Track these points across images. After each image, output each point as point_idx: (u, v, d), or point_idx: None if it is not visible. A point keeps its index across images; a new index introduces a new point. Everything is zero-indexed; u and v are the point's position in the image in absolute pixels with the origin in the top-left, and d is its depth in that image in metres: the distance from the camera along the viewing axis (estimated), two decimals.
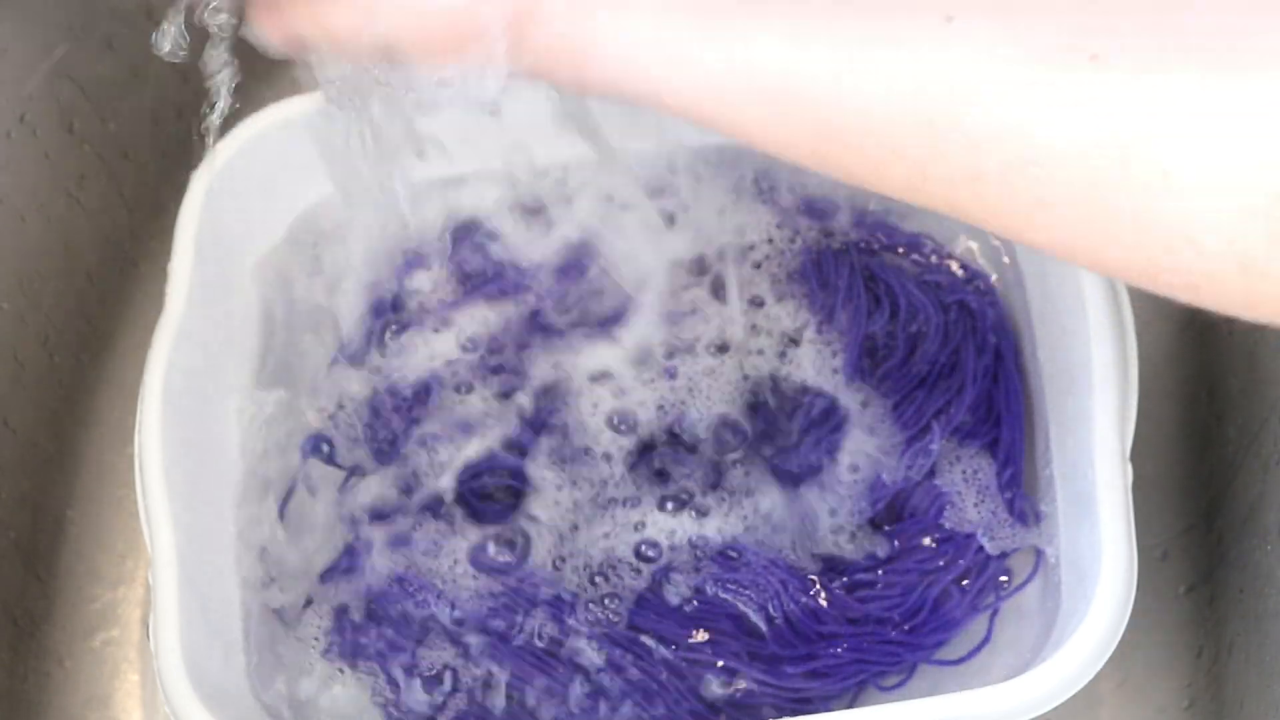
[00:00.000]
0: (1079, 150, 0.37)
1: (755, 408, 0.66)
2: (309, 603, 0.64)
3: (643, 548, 0.63)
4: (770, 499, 0.64)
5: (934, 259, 0.70)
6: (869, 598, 0.62)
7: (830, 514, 0.63)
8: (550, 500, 0.64)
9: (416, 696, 0.62)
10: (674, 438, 0.66)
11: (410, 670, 0.62)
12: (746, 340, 0.67)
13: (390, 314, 0.70)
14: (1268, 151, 0.34)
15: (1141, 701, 0.66)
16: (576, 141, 0.57)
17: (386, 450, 0.67)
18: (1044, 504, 0.63)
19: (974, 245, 0.70)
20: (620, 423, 0.65)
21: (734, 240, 0.70)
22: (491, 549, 0.64)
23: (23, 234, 0.70)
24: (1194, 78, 0.35)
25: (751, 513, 0.64)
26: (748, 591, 0.62)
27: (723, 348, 0.67)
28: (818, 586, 0.62)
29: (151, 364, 0.63)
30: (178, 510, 0.60)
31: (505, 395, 0.67)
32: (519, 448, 0.66)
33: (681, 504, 0.64)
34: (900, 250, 0.70)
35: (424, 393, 0.68)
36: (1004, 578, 0.63)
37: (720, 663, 0.61)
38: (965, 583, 0.63)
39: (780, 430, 0.65)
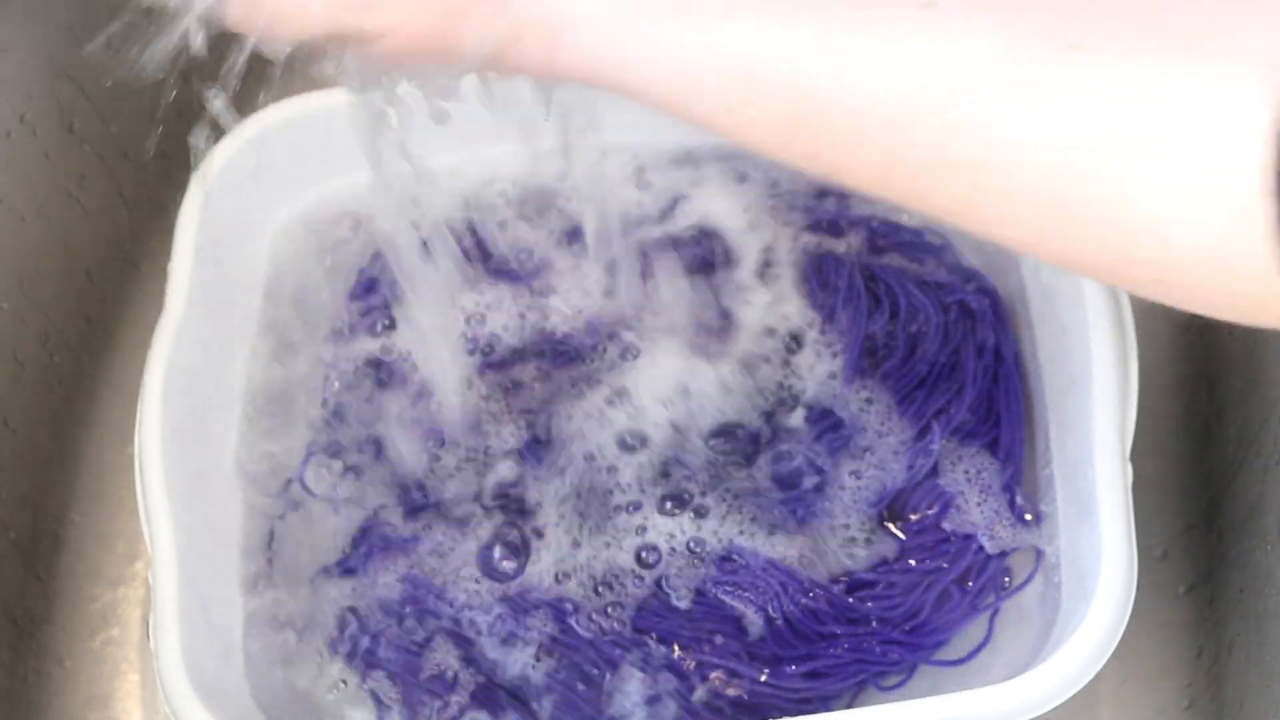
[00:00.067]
0: (1051, 142, 0.36)
1: (765, 415, 0.66)
2: (309, 603, 0.64)
3: (643, 553, 0.63)
4: (775, 509, 0.64)
5: (934, 259, 0.70)
6: (869, 598, 0.62)
7: (842, 527, 0.63)
8: (555, 514, 0.64)
9: (420, 697, 0.62)
10: (678, 436, 0.66)
11: (414, 671, 0.62)
12: (751, 344, 0.67)
13: (391, 311, 0.70)
14: (1238, 148, 0.33)
15: (1141, 701, 0.66)
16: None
17: (389, 449, 0.67)
18: (1044, 504, 0.63)
19: (975, 246, 0.70)
20: (631, 441, 0.65)
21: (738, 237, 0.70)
22: (497, 554, 0.64)
23: (23, 234, 0.70)
24: (1169, 73, 0.35)
25: (751, 520, 0.64)
26: (747, 593, 0.62)
27: (747, 363, 0.67)
28: (817, 588, 0.62)
29: (151, 364, 0.63)
30: (178, 510, 0.60)
31: (510, 395, 0.67)
32: (523, 455, 0.66)
33: (682, 504, 0.64)
34: (900, 250, 0.70)
35: (426, 393, 0.68)
36: (1005, 578, 0.63)
37: (720, 663, 0.61)
38: (965, 583, 0.63)
39: (785, 440, 0.65)
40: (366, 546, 0.65)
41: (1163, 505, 0.69)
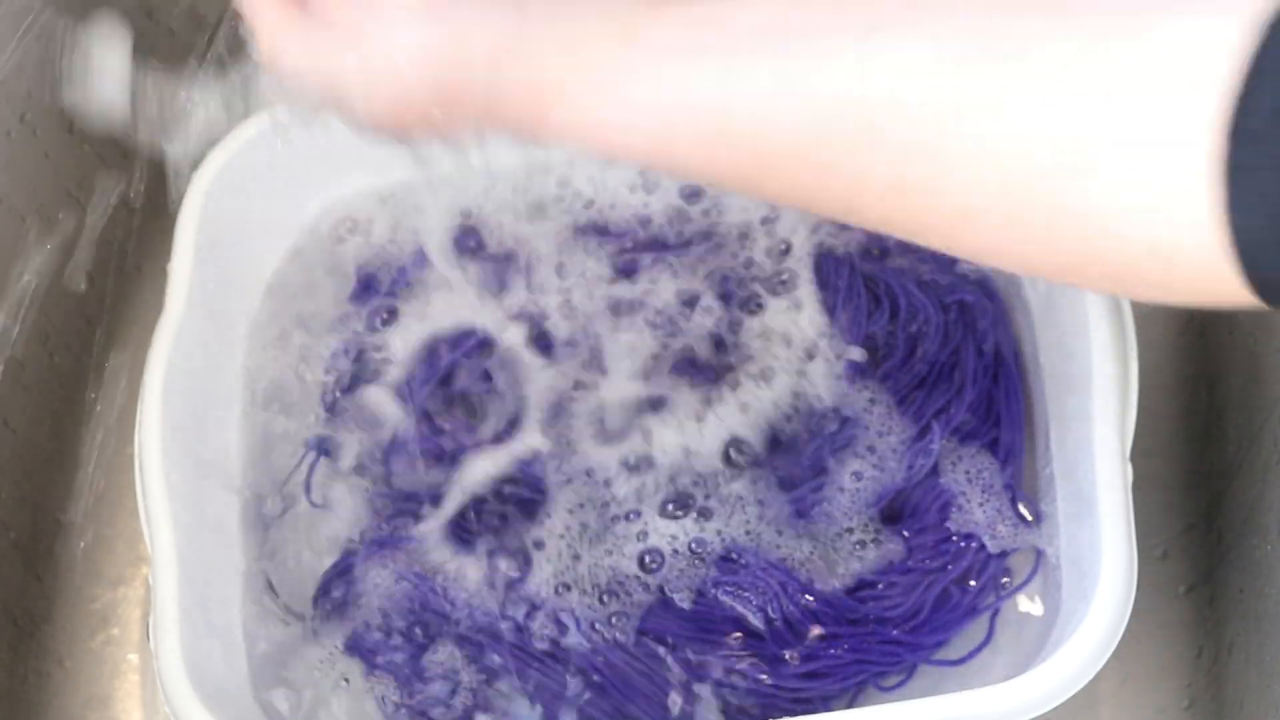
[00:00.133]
0: (999, 151, 0.37)
1: (774, 429, 0.66)
2: (310, 603, 0.64)
3: (646, 558, 0.63)
4: (779, 511, 0.64)
5: (934, 259, 0.70)
6: (869, 598, 0.62)
7: (846, 531, 0.63)
8: (559, 528, 0.64)
9: (419, 697, 0.62)
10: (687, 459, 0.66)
11: (417, 672, 0.62)
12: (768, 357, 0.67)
13: (392, 310, 0.70)
14: (1170, 136, 0.34)
15: (1141, 701, 0.66)
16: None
17: (388, 450, 0.67)
18: (1044, 504, 0.63)
19: None
20: (639, 463, 0.65)
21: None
22: (502, 563, 0.64)
23: (23, 234, 0.70)
24: (1102, 70, 0.35)
25: (757, 520, 0.64)
26: (747, 593, 0.62)
27: (763, 375, 0.67)
28: (817, 588, 0.62)
29: (151, 364, 0.63)
30: (178, 510, 0.60)
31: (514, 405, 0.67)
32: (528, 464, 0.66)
33: (685, 507, 0.64)
34: (900, 249, 0.70)
35: (428, 392, 0.68)
36: (1005, 578, 0.63)
37: (720, 663, 0.61)
38: (965, 583, 0.63)
39: (797, 451, 0.65)
40: (366, 546, 0.65)
41: (1163, 505, 0.69)
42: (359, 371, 0.69)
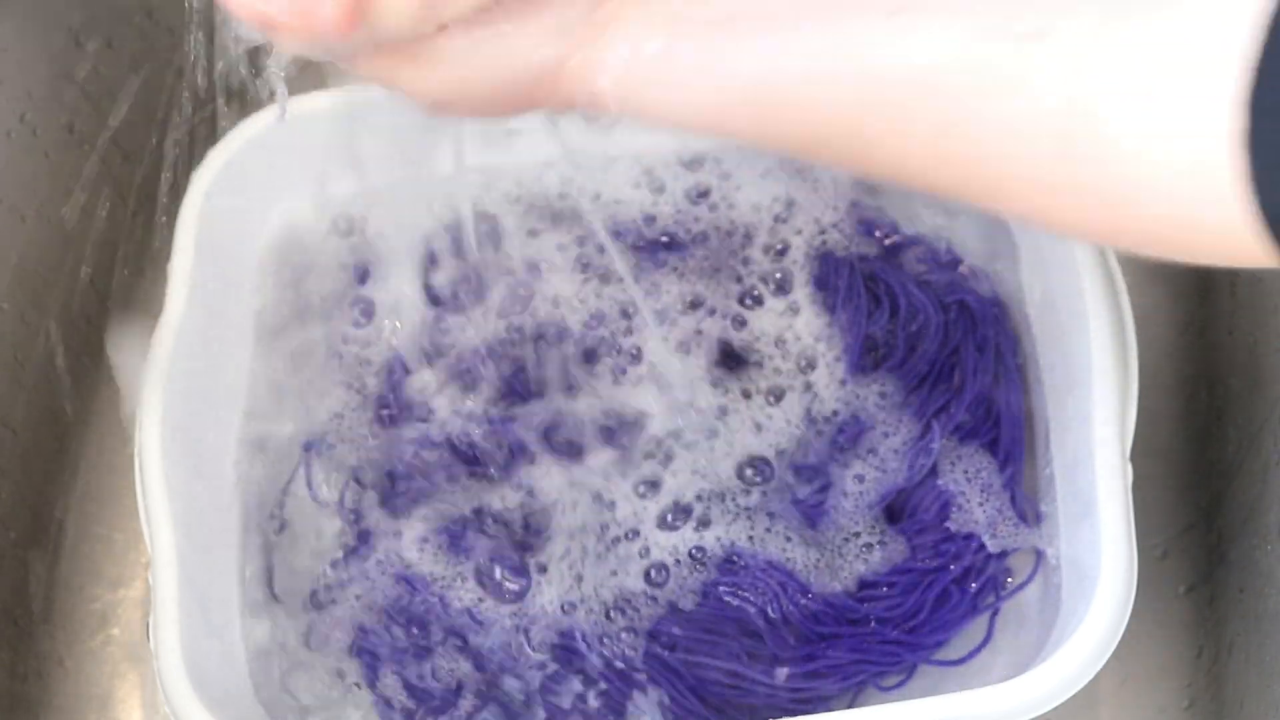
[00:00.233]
0: (1028, 126, 0.38)
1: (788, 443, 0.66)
2: (310, 603, 0.64)
3: (652, 573, 0.63)
4: (783, 515, 0.64)
5: (934, 259, 0.70)
6: (869, 598, 0.62)
7: (853, 535, 0.63)
8: (561, 549, 0.64)
9: (425, 698, 0.62)
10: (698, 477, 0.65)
11: (418, 672, 0.62)
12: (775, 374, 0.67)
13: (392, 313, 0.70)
14: (1192, 107, 0.35)
15: (1141, 701, 0.66)
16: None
17: (388, 450, 0.67)
18: (1044, 504, 0.63)
19: (975, 245, 0.70)
20: (647, 489, 0.65)
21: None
22: (499, 573, 0.63)
23: (23, 234, 0.70)
24: (1124, 41, 0.36)
25: (764, 530, 0.63)
26: (747, 593, 0.62)
27: (776, 394, 0.67)
28: (817, 588, 0.62)
29: (151, 364, 0.63)
30: (178, 510, 0.60)
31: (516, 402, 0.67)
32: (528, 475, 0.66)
33: (683, 514, 0.64)
34: (900, 249, 0.70)
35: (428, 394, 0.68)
36: (1005, 578, 0.63)
37: (721, 664, 0.61)
38: (965, 583, 0.63)
39: (806, 462, 0.65)
40: (367, 547, 0.65)
41: (1163, 505, 0.69)
42: (359, 371, 0.69)
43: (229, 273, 0.68)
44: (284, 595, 0.64)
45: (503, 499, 0.65)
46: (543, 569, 0.63)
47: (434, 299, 0.70)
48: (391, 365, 0.69)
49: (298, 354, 0.70)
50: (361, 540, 0.65)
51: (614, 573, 0.63)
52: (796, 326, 0.68)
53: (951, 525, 0.63)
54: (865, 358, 0.67)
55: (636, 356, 0.68)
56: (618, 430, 0.66)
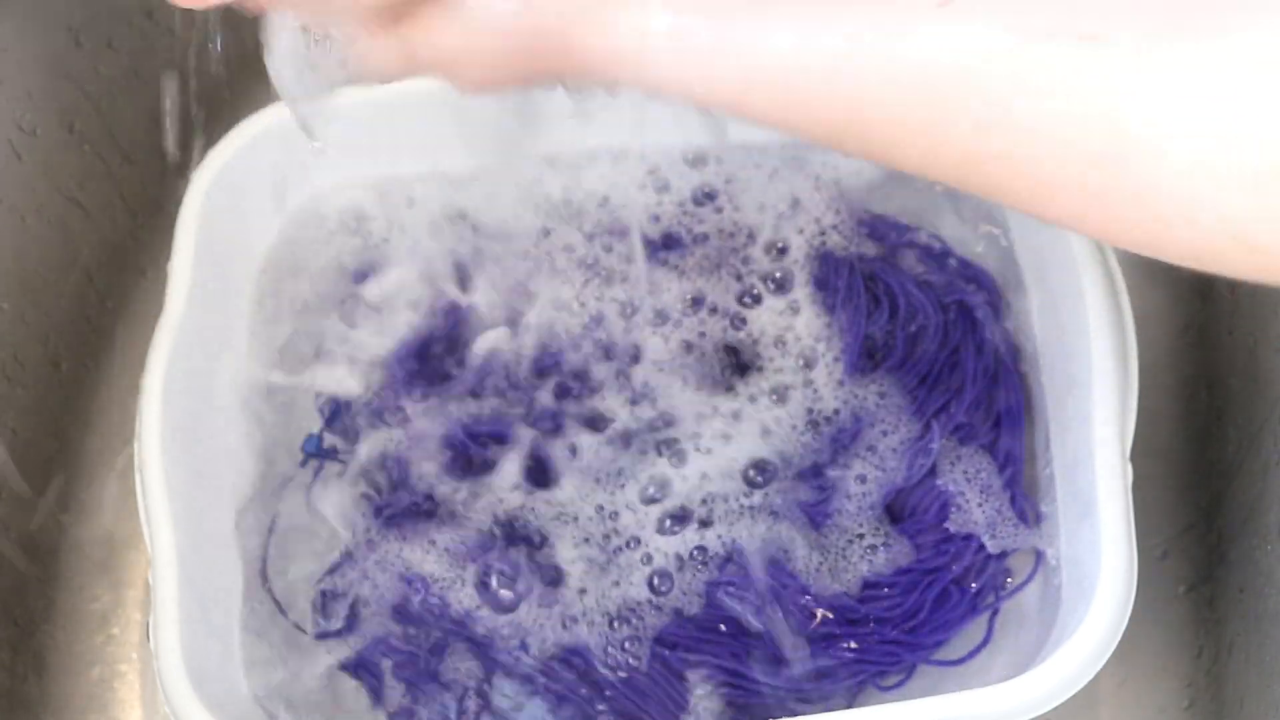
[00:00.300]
0: (1077, 129, 0.38)
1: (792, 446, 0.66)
2: (310, 603, 0.64)
3: (655, 580, 0.63)
4: (793, 524, 0.64)
5: (933, 259, 0.70)
6: (869, 598, 0.62)
7: (857, 537, 0.63)
8: (565, 555, 0.64)
9: (426, 699, 0.62)
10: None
11: (419, 673, 0.62)
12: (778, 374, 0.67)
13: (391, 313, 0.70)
14: (1254, 126, 0.34)
15: (1141, 701, 0.66)
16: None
17: (389, 451, 0.67)
18: (1044, 504, 0.63)
19: (975, 246, 0.70)
20: (653, 493, 0.65)
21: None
22: (494, 582, 0.63)
23: (23, 234, 0.70)
24: (1186, 54, 0.36)
25: (766, 531, 0.63)
26: (747, 593, 0.62)
27: (778, 394, 0.66)
28: (817, 588, 0.62)
29: (151, 364, 0.63)
30: (178, 510, 0.60)
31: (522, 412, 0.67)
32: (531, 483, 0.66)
33: (685, 517, 0.64)
34: (900, 249, 0.70)
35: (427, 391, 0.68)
36: (1005, 578, 0.63)
37: (721, 664, 0.61)
38: (965, 583, 0.63)
39: (815, 469, 0.65)
40: (367, 548, 0.65)
41: (1163, 505, 0.69)
42: (358, 371, 0.69)
43: (229, 272, 0.68)
44: (284, 595, 0.64)
45: (505, 502, 0.65)
46: (545, 577, 0.63)
47: (435, 299, 0.70)
48: (392, 366, 0.69)
49: (297, 354, 0.70)
50: (362, 541, 0.65)
51: (616, 583, 0.63)
52: (796, 326, 0.68)
53: (951, 526, 0.63)
54: (865, 358, 0.67)
55: (637, 357, 0.67)
56: (621, 432, 0.66)
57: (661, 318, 0.68)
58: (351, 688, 0.63)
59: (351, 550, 0.65)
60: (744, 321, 0.68)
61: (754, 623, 0.62)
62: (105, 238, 0.75)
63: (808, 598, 0.62)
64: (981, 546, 0.62)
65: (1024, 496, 0.63)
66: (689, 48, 0.44)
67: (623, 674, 0.61)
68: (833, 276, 0.69)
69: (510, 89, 0.49)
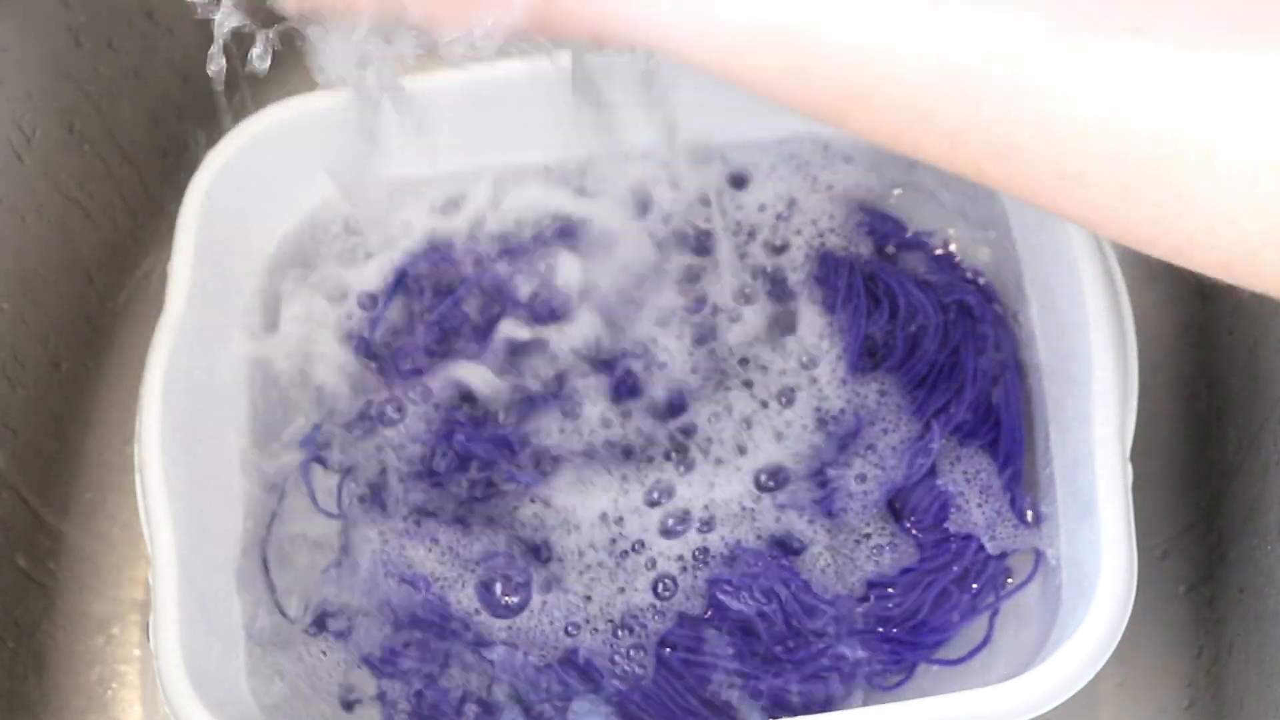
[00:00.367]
0: (1117, 125, 0.36)
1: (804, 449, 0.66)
2: (310, 603, 0.64)
3: (659, 586, 0.63)
4: (796, 525, 0.64)
5: (934, 259, 0.70)
6: (869, 598, 0.62)
7: (864, 537, 0.63)
8: (569, 560, 0.64)
9: (427, 700, 0.62)
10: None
11: (419, 673, 0.62)
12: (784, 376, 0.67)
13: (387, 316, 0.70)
14: None
15: (1141, 701, 0.66)
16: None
17: (390, 452, 0.67)
18: (1044, 504, 0.63)
19: (975, 246, 0.70)
20: (658, 497, 0.65)
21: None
22: (499, 588, 0.63)
23: (23, 234, 0.70)
24: (1237, 53, 0.34)
25: (768, 527, 0.63)
26: (748, 593, 0.62)
27: (787, 397, 0.66)
28: (816, 588, 0.62)
29: (151, 364, 0.63)
30: (178, 510, 0.60)
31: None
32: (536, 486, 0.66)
33: (682, 521, 0.64)
34: (900, 250, 0.70)
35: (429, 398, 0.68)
36: (1005, 578, 0.63)
37: (720, 663, 0.61)
38: (965, 583, 0.63)
39: (817, 470, 0.65)
40: (368, 549, 0.65)
41: (1163, 505, 0.69)
42: (359, 371, 0.69)
43: (229, 273, 0.68)
44: (284, 595, 0.64)
45: (506, 504, 0.65)
46: (548, 584, 0.63)
47: (437, 299, 0.70)
48: (394, 366, 0.69)
49: (298, 354, 0.70)
50: (363, 542, 0.65)
51: (621, 590, 0.63)
52: (798, 327, 0.68)
53: (951, 526, 0.63)
54: (865, 358, 0.67)
55: (644, 357, 0.67)
56: (623, 436, 0.66)
57: (665, 318, 0.68)
58: (352, 689, 0.63)
59: (352, 549, 0.65)
60: (746, 321, 0.68)
61: (755, 622, 0.62)
62: (105, 238, 0.75)
63: (808, 597, 0.62)
64: (981, 546, 0.63)
65: (1024, 496, 0.63)
66: (693, 3, 0.42)
67: (627, 681, 0.61)
68: (833, 276, 0.69)
69: (494, 37, 0.46)
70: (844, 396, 0.66)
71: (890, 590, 0.62)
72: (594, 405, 0.66)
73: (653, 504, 0.64)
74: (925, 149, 0.41)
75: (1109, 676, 0.62)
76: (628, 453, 0.65)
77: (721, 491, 0.64)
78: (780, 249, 0.70)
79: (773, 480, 0.64)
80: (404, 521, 0.65)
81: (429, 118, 0.63)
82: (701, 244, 0.70)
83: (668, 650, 0.62)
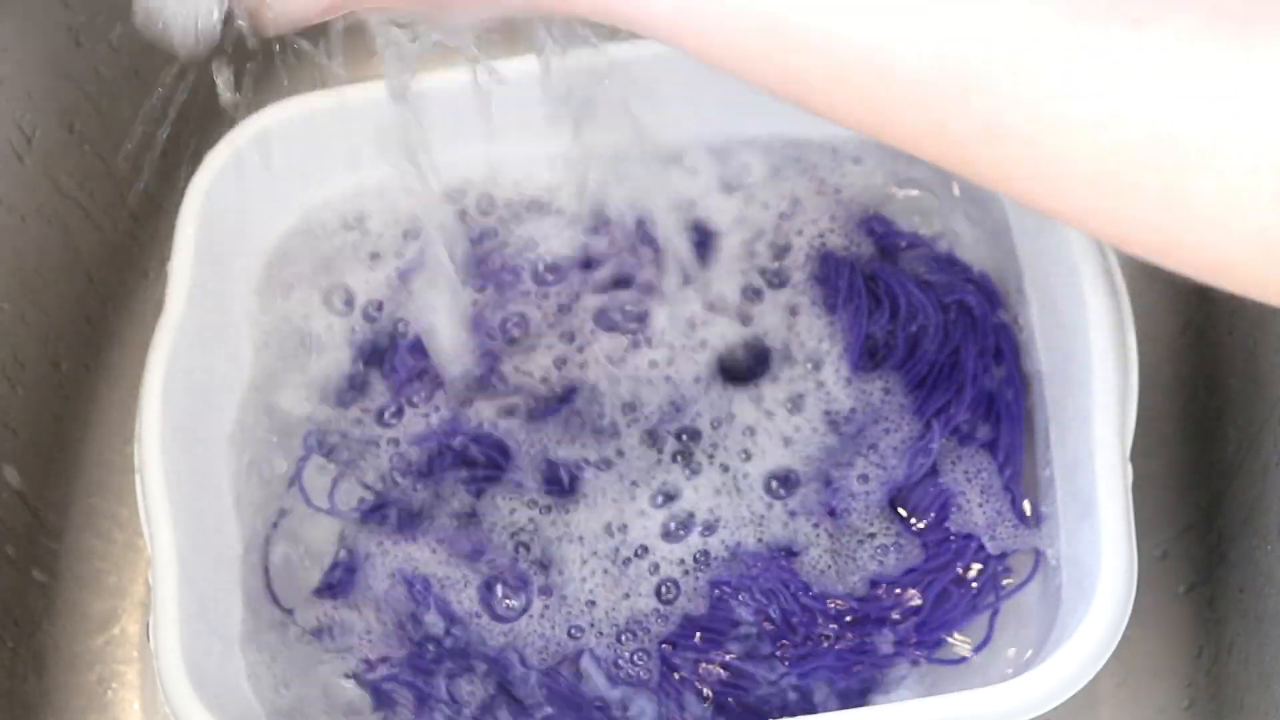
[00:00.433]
0: (1111, 119, 0.35)
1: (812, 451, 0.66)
2: (310, 603, 0.64)
3: (662, 589, 0.63)
4: (799, 525, 0.64)
5: (934, 259, 0.70)
6: (869, 598, 0.62)
7: (868, 537, 0.63)
8: (576, 575, 0.64)
9: (427, 700, 0.62)
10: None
11: (421, 674, 0.62)
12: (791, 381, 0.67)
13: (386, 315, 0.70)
14: None
15: (1141, 701, 0.66)
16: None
17: (391, 452, 0.67)
18: (1044, 504, 0.63)
19: (975, 245, 0.70)
20: (663, 501, 0.65)
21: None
22: (500, 591, 0.63)
23: (23, 234, 0.70)
24: (1237, 53, 0.34)
25: (770, 528, 0.63)
26: (748, 593, 0.62)
27: (794, 401, 0.66)
28: (816, 588, 0.62)
29: (151, 364, 0.63)
30: (178, 510, 0.60)
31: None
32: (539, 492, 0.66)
33: (685, 524, 0.64)
34: (901, 251, 0.70)
35: (426, 387, 0.68)
36: (1005, 578, 0.63)
37: (720, 663, 0.61)
38: (965, 583, 0.63)
39: (818, 470, 0.65)
40: (369, 550, 0.65)
41: (1163, 505, 0.69)
42: (359, 371, 0.69)
43: (229, 272, 0.69)
44: (284, 595, 0.64)
45: (508, 506, 0.65)
46: (548, 589, 0.63)
47: (437, 299, 0.70)
48: (395, 366, 0.69)
49: (298, 354, 0.70)
50: (363, 543, 0.65)
51: (626, 595, 0.63)
52: (797, 327, 0.68)
53: (951, 526, 0.63)
54: (866, 358, 0.67)
55: (647, 359, 0.67)
56: (628, 440, 0.66)
57: (668, 318, 0.68)
58: (352, 689, 0.63)
59: (353, 550, 0.65)
60: (748, 321, 0.68)
61: (756, 622, 0.62)
62: (105, 238, 0.75)
63: (809, 597, 0.62)
64: (981, 546, 0.63)
65: (1024, 496, 0.63)
66: None
67: (630, 677, 0.61)
68: (833, 276, 0.69)
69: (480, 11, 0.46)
70: (851, 396, 0.66)
71: (892, 590, 0.62)
72: (597, 408, 0.66)
73: (657, 508, 0.64)
74: (907, 137, 0.40)
75: (1109, 676, 0.62)
76: (632, 457, 0.65)
77: (729, 497, 0.64)
78: (782, 248, 0.70)
79: (783, 487, 0.64)
80: (404, 523, 0.65)
81: (432, 117, 0.63)
82: (704, 244, 0.70)
83: (669, 649, 0.62)
